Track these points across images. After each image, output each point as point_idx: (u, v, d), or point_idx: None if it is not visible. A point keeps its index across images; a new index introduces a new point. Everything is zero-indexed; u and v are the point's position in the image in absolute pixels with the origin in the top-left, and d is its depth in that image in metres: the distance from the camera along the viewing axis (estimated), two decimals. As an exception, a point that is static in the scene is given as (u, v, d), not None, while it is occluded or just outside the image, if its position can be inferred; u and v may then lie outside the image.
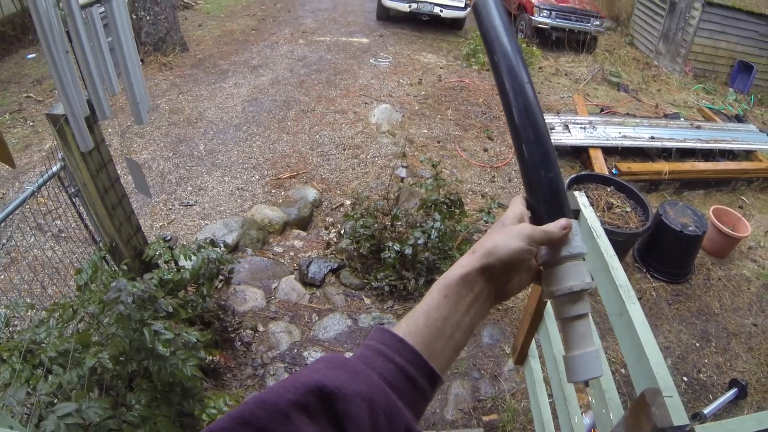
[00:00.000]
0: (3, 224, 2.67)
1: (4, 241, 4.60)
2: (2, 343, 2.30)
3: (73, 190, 2.88)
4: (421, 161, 5.86)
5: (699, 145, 7.14)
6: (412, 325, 0.73)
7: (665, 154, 7.07)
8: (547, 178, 0.84)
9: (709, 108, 9.44)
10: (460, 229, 4.39)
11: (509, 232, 0.78)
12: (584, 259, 0.84)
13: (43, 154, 6.17)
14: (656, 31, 12.47)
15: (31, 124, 6.95)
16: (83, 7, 1.53)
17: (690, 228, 4.90)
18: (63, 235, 4.00)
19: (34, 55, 9.24)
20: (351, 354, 0.71)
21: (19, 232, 4.76)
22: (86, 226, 3.12)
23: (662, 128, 7.46)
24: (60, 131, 2.53)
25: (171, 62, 8.93)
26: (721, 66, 11.42)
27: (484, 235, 0.81)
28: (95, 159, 2.74)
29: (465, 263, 0.77)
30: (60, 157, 2.78)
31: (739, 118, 9.06)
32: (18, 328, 2.73)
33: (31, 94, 7.73)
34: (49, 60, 1.48)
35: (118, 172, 3.00)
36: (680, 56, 11.49)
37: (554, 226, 0.80)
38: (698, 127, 7.69)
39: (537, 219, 0.84)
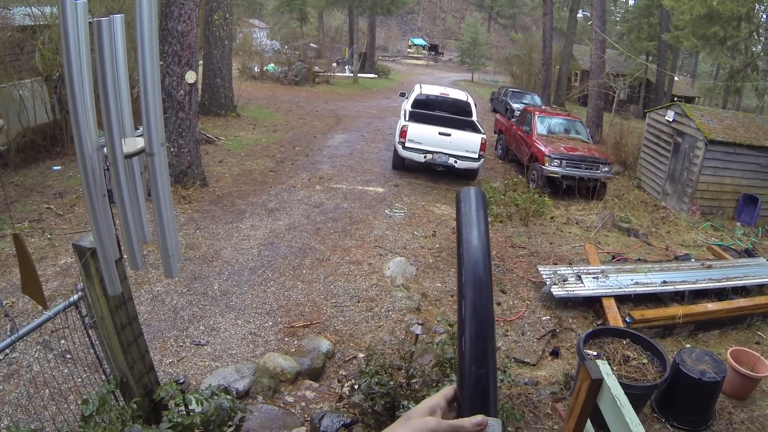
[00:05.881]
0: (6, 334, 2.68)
1: (7, 351, 4.61)
2: None
3: (89, 321, 2.89)
4: (438, 321, 5.84)
5: (711, 285, 7.12)
6: None
7: (678, 297, 7.04)
8: (477, 373, 0.83)
9: (719, 245, 9.53)
10: (475, 386, 4.39)
11: (411, 425, 0.79)
12: None
13: (57, 269, 6.19)
14: (662, 173, 12.90)
15: (48, 236, 6.98)
16: (127, 156, 1.67)
17: (708, 375, 4.77)
18: (69, 356, 3.93)
19: (60, 167, 9.39)
20: None
21: (23, 344, 4.60)
22: (96, 353, 3.10)
23: (674, 271, 7.48)
24: (85, 265, 2.58)
25: (190, 196, 9.11)
26: (727, 201, 11.70)
27: (389, 427, 0.81)
28: (115, 296, 2.73)
29: None
30: (79, 288, 2.82)
31: (748, 252, 9.14)
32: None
33: (51, 206, 7.81)
34: (88, 200, 1.60)
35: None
36: (687, 195, 11.81)
37: (468, 421, 0.79)
38: (709, 267, 7.71)
39: (460, 412, 0.84)
